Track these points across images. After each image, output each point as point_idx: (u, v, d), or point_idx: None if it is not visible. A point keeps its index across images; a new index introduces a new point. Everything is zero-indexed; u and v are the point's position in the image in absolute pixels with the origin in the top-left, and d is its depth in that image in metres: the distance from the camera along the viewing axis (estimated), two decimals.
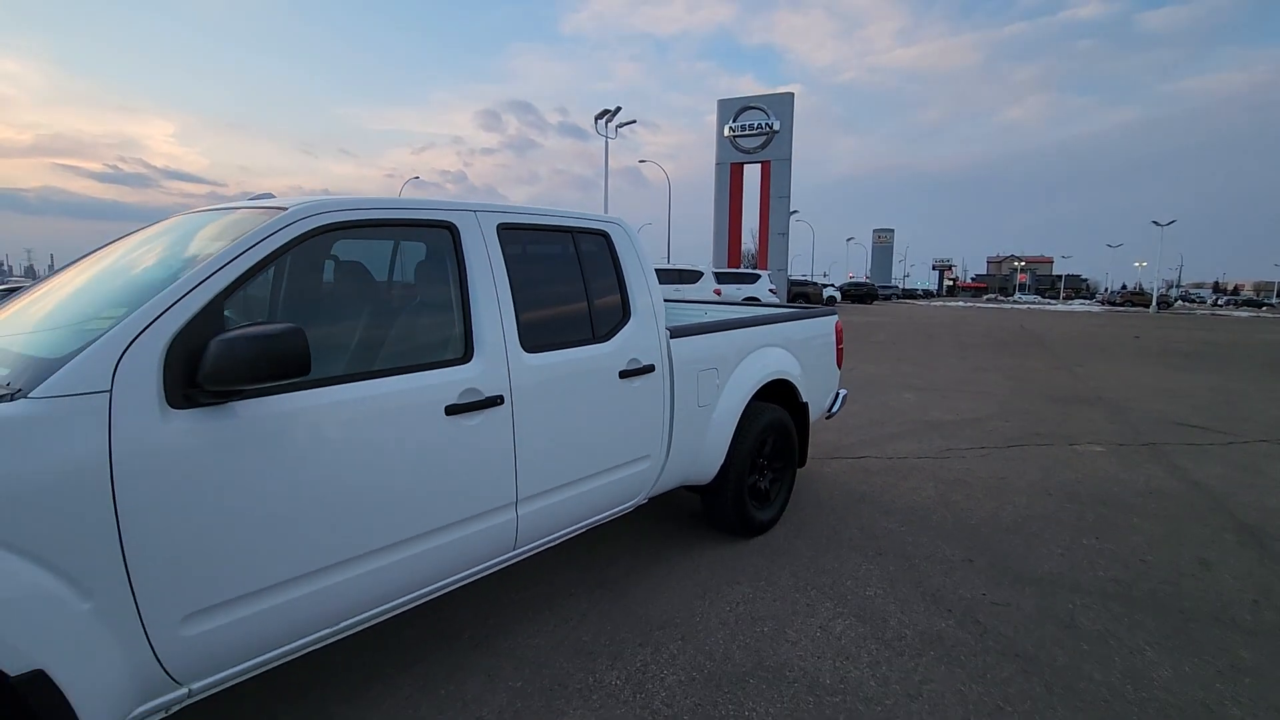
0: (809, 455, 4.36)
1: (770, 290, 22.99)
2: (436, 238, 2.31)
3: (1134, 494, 4.67)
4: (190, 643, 1.64)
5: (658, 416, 2.99)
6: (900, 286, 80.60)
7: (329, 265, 2.28)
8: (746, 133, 28.18)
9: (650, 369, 2.91)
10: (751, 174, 29.31)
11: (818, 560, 3.44)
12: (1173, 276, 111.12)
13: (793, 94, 27.59)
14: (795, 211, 38.13)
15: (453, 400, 2.15)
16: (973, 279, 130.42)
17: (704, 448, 3.31)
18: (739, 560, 3.42)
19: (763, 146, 28.04)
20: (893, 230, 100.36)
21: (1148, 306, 53.65)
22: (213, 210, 2.36)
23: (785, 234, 28.19)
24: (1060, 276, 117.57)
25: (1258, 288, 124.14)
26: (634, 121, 26.30)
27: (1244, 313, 52.24)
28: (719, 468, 3.40)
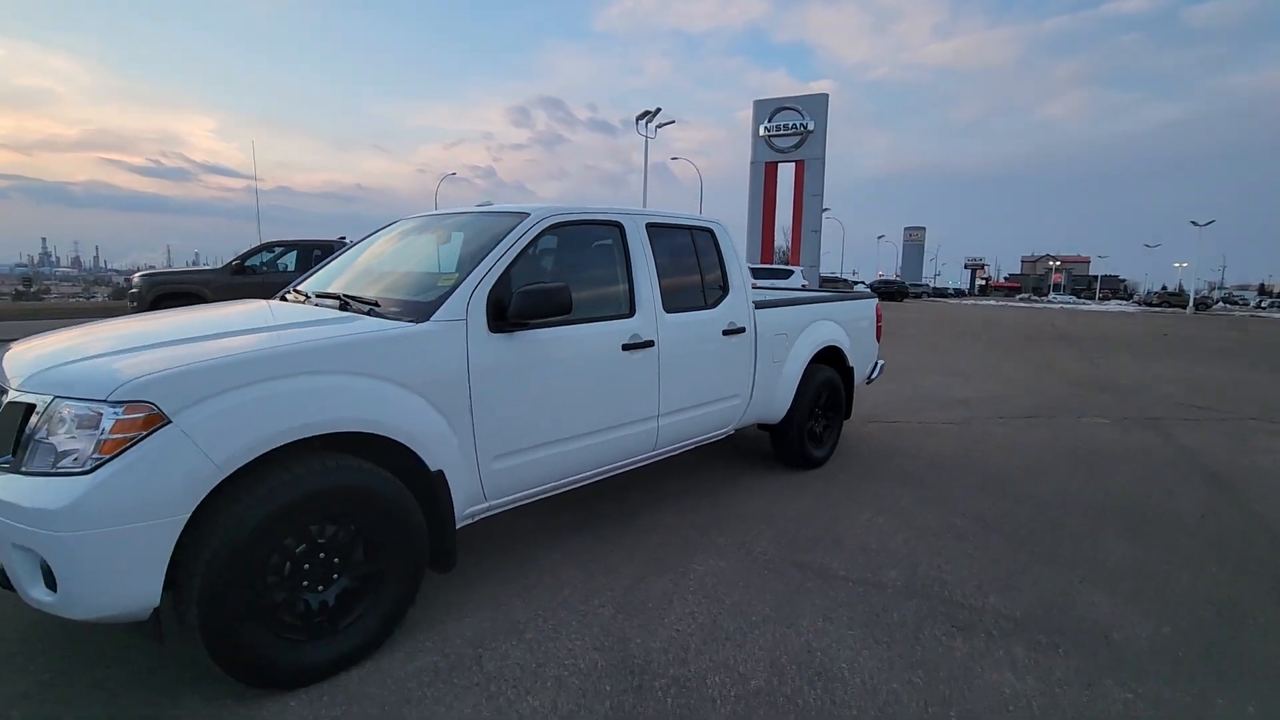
0: (853, 413, 5.37)
1: (803, 286, 23.85)
2: (610, 232, 3.38)
3: (1125, 451, 5.60)
4: (495, 474, 2.73)
5: (746, 367, 4.04)
6: (931, 285, 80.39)
7: (553, 247, 3.35)
8: (781, 133, 29.05)
9: (742, 330, 3.96)
10: (785, 172, 30.17)
11: (861, 485, 4.46)
12: (1215, 278, 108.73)
13: (827, 95, 28.41)
14: (827, 209, 38.86)
15: (625, 341, 3.22)
16: (1006, 278, 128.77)
17: (776, 394, 4.35)
18: (801, 483, 4.45)
19: (797, 146, 28.90)
20: (924, 228, 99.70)
21: (1184, 307, 53.10)
22: (457, 213, 3.49)
23: (818, 231, 29.03)
24: (1096, 277, 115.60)
25: None
26: (673, 122, 27.42)
27: (1276, 314, 51.39)
28: (786, 411, 4.44)
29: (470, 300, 2.65)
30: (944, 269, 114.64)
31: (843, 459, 5.06)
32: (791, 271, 24.04)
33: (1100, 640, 2.63)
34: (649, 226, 3.55)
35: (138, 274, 10.39)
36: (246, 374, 2.08)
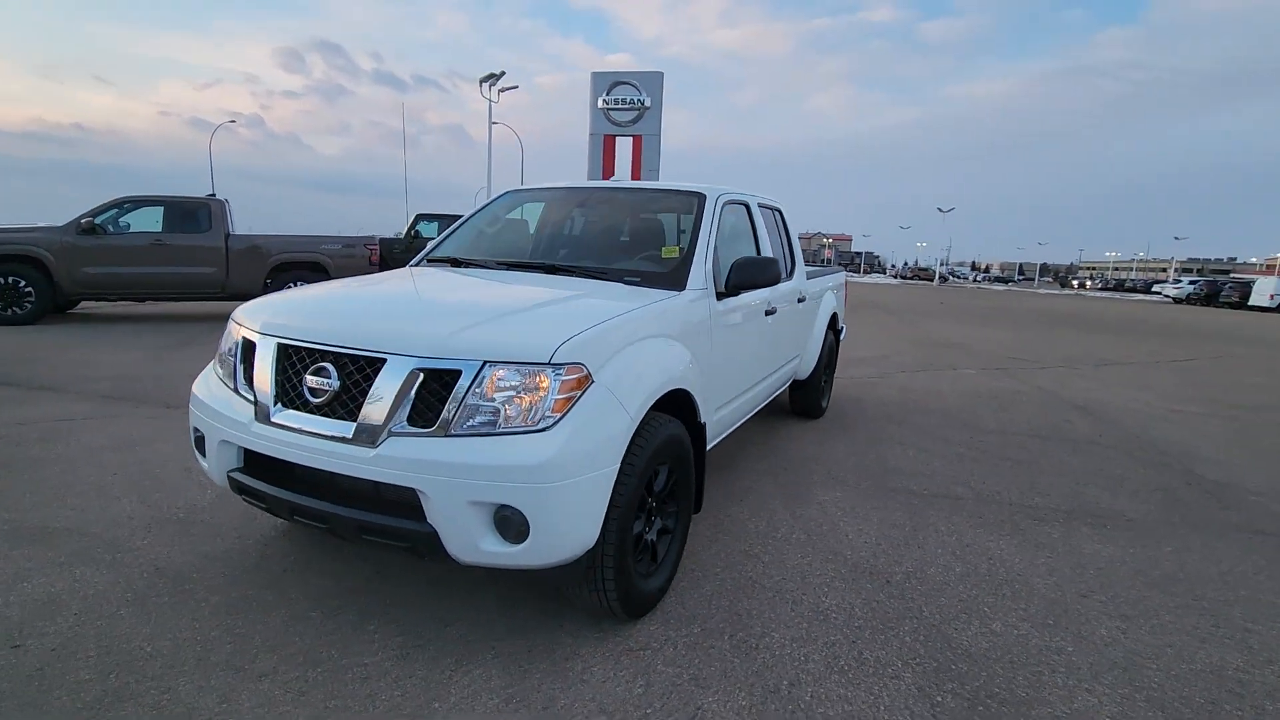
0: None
1: None
2: (741, 210, 3.79)
3: (1010, 392, 7.18)
4: (713, 425, 3.08)
5: (807, 330, 4.69)
6: None
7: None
8: (619, 107, 29.61)
9: (804, 299, 4.59)
10: (624, 146, 30.91)
11: (867, 428, 5.35)
12: (944, 255, 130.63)
13: (662, 74, 29.48)
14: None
15: (767, 309, 3.70)
16: None
17: (809, 353, 5.06)
18: (820, 431, 5.23)
19: (634, 121, 29.69)
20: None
21: (931, 280, 63.54)
22: (614, 187, 3.70)
23: None
24: (859, 253, 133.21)
25: (1003, 267, 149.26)
26: (516, 87, 26.73)
27: (998, 287, 63.80)
28: (813, 369, 5.17)
29: (705, 272, 2.97)
30: None
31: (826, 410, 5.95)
32: None
33: (1120, 518, 3.71)
34: (759, 205, 4.01)
35: None
36: (626, 336, 2.28)
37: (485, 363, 2.01)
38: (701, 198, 3.35)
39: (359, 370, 2.11)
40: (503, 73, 24.63)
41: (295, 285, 9.50)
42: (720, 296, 3.06)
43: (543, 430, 1.98)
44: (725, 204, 3.44)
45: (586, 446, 2.01)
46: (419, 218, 14.44)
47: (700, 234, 3.10)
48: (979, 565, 3.02)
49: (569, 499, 1.97)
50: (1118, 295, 56.37)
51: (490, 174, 25.59)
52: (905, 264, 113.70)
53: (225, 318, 2.81)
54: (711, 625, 2.43)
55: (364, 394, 2.08)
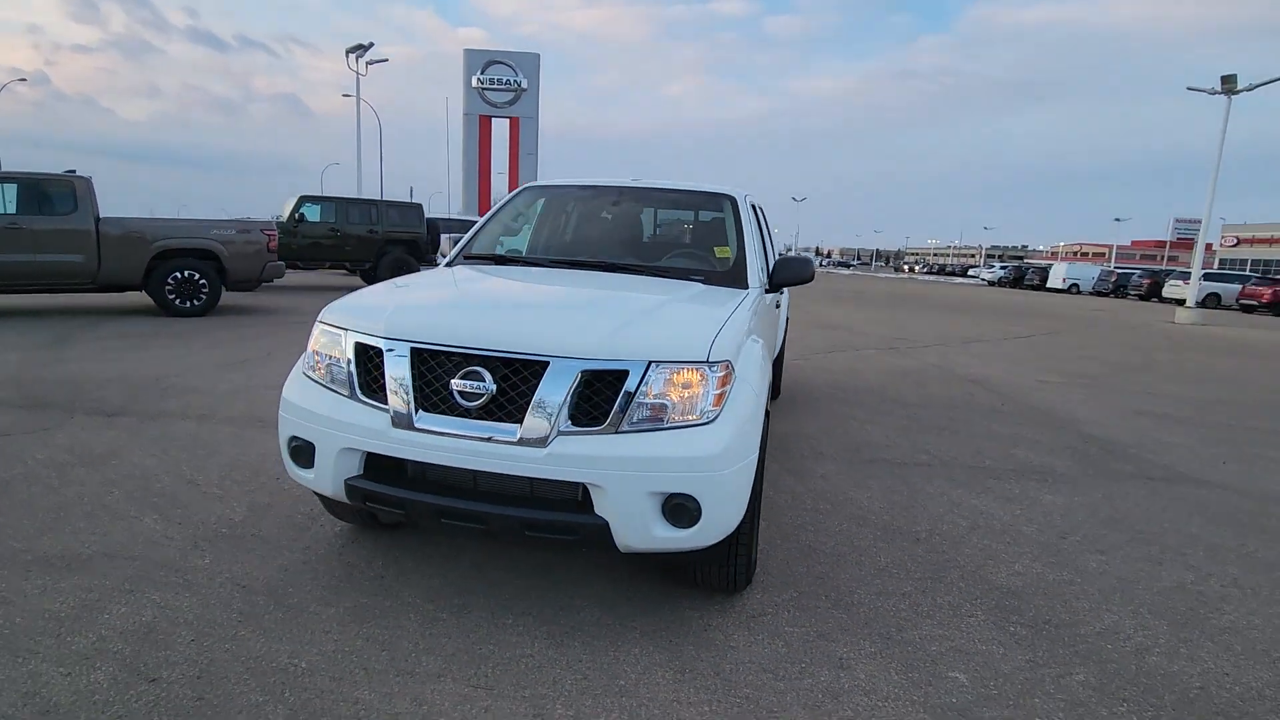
0: None
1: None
2: (752, 211, 4.08)
3: (916, 370, 8.11)
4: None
5: (781, 321, 5.10)
6: None
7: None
8: (495, 87, 28.90)
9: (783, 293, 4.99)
10: (500, 128, 30.19)
11: (827, 408, 5.90)
12: (791, 241, 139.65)
13: (538, 55, 29.12)
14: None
15: (776, 302, 4.03)
16: None
17: (779, 341, 5.49)
18: (783, 412, 5.70)
19: (511, 103, 29.13)
20: None
21: None
22: (648, 188, 3.82)
23: None
24: None
25: (843, 252, 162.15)
26: (387, 60, 24.96)
27: (843, 271, 69.40)
28: (779, 350, 5.62)
29: (758, 270, 3.23)
30: None
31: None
32: None
33: (1053, 473, 4.46)
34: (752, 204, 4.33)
35: None
36: (744, 332, 2.49)
37: (650, 363, 2.15)
38: (734, 200, 3.60)
39: (516, 373, 2.16)
40: (371, 44, 23.07)
41: (187, 276, 8.59)
42: (766, 292, 3.34)
43: (707, 423, 2.16)
44: (751, 204, 3.72)
45: (742, 435, 2.22)
46: (303, 200, 13.39)
47: (746, 234, 3.36)
48: (976, 520, 3.56)
49: (734, 484, 2.18)
50: (941, 279, 63.39)
51: (360, 151, 24.00)
52: None
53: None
54: (804, 589, 2.74)
55: (524, 396, 2.14)
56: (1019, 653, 2.37)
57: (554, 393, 2.11)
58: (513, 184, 30.61)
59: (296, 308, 10.97)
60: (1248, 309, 29.02)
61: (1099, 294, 37.35)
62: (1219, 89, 20.10)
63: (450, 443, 2.16)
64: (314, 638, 2.22)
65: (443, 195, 29.35)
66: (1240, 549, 3.38)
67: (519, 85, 29.04)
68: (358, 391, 2.33)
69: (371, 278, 14.81)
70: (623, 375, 2.14)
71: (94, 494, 3.22)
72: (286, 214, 13.18)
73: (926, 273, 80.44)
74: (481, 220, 3.79)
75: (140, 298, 9.36)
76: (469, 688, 2.03)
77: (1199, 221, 25.89)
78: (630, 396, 2.12)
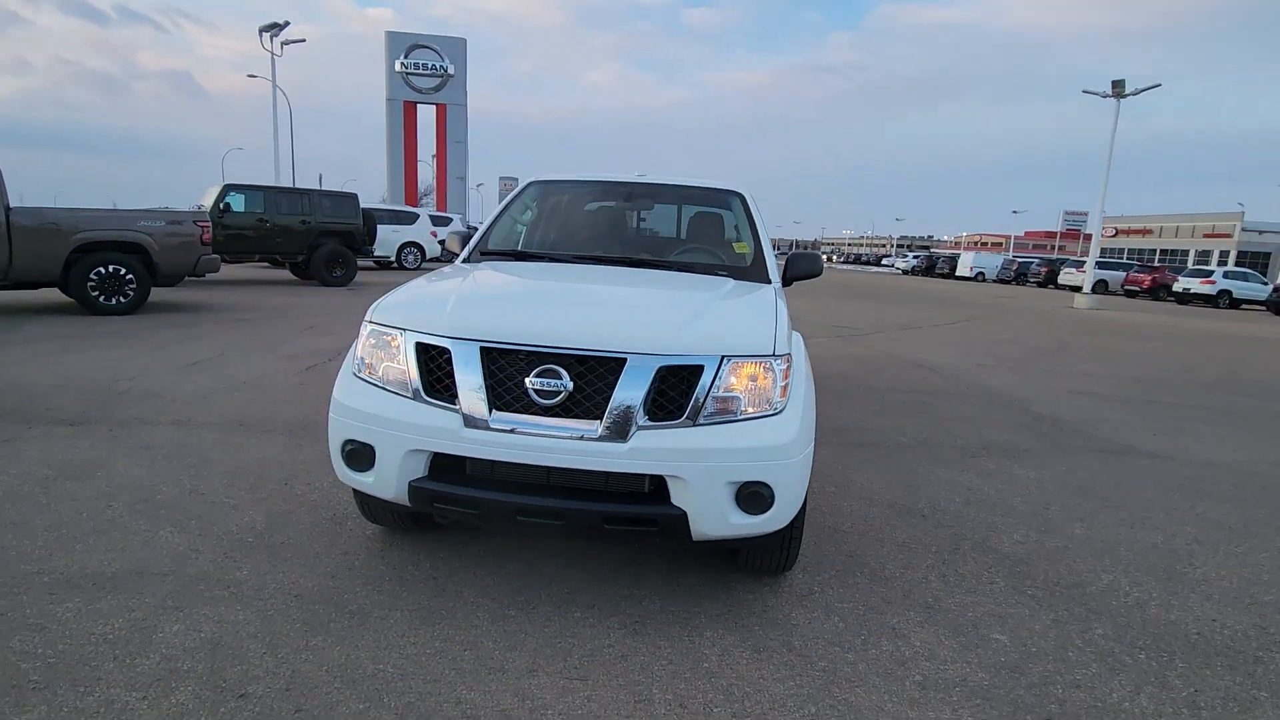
0: None
1: (432, 234, 22.22)
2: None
3: (868, 357, 8.53)
4: None
5: None
6: None
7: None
8: (420, 72, 27.89)
9: None
10: (426, 115, 29.17)
11: None
12: None
13: (465, 40, 28.24)
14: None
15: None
16: None
17: None
18: None
19: (437, 89, 28.18)
20: (516, 179, 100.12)
21: None
22: (663, 184, 3.86)
23: (464, 179, 29.15)
24: None
25: None
26: (304, 40, 23.41)
27: None
28: None
29: (774, 265, 3.36)
30: None
31: None
32: (416, 215, 21.96)
33: (1019, 449, 4.84)
34: None
35: None
36: (790, 328, 2.61)
37: (724, 357, 2.23)
38: (743, 196, 3.72)
39: (591, 370, 2.20)
40: (287, 23, 21.79)
41: (111, 272, 8.00)
42: (785, 283, 3.48)
43: (776, 414, 2.27)
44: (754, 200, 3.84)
45: (805, 424, 2.34)
46: (228, 189, 12.61)
47: (759, 231, 3.48)
48: (968, 495, 3.85)
49: (801, 471, 2.30)
50: (858, 268, 66.14)
51: (277, 136, 22.64)
52: None
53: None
54: (839, 567, 2.90)
55: (600, 393, 2.18)
56: (1043, 613, 2.61)
57: (633, 389, 2.16)
58: (441, 173, 29.77)
59: (235, 304, 10.38)
60: (1131, 294, 31.82)
61: (1002, 281, 40.00)
62: (1109, 93, 21.87)
63: (527, 440, 2.18)
64: (390, 641, 2.20)
65: (356, 184, 28.16)
66: (1191, 510, 3.80)
67: (445, 71, 28.14)
68: (421, 393, 2.30)
69: (303, 272, 14.14)
70: (697, 370, 2.21)
71: (93, 509, 3.01)
72: (209, 203, 12.36)
73: (844, 262, 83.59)
74: (492, 216, 3.75)
75: (54, 295, 8.63)
76: (565, 680, 2.07)
77: (1086, 213, 28.12)
78: (706, 390, 2.20)
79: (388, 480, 2.31)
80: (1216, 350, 11.94)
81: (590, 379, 2.19)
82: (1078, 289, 25.13)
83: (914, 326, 12.58)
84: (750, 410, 2.25)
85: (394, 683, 2.00)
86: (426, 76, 28.26)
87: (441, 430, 2.23)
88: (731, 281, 3.10)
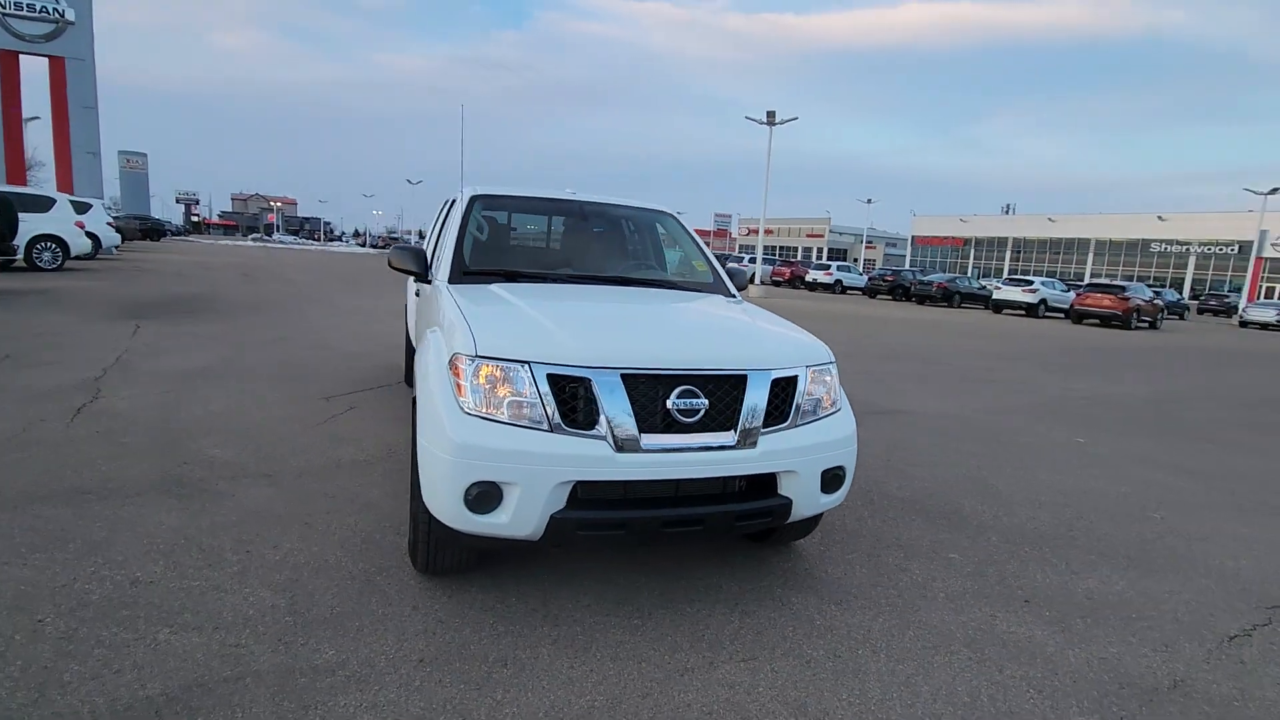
0: None
1: (78, 224, 18.26)
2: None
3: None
4: None
5: None
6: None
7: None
8: (24, 15, 21.13)
9: None
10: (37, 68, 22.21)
11: None
12: (395, 224, 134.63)
13: None
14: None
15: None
16: (219, 215, 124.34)
17: None
18: None
19: (49, 37, 21.64)
20: (145, 155, 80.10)
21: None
22: (604, 203, 4.00)
23: (96, 154, 23.01)
24: (308, 218, 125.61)
25: None
26: None
27: None
28: None
29: (728, 280, 3.87)
30: (160, 203, 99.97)
31: None
32: (53, 201, 17.08)
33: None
34: None
35: None
36: None
37: (806, 367, 2.72)
38: (674, 216, 4.14)
39: (719, 387, 2.49)
40: None
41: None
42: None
43: (838, 411, 2.83)
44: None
45: (851, 414, 2.95)
46: None
47: (703, 248, 3.96)
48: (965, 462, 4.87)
49: (856, 453, 2.90)
50: None
51: None
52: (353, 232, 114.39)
53: None
54: (862, 561, 3.57)
55: (730, 406, 2.50)
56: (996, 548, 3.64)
57: (756, 400, 2.53)
58: (62, 143, 23.00)
59: None
60: (776, 284, 39.25)
61: None
62: (765, 120, 26.79)
63: (675, 458, 2.40)
64: (579, 675, 2.23)
65: None
66: (991, 457, 5.38)
67: (60, 15, 21.79)
68: (558, 424, 2.34)
69: None
70: (793, 380, 2.67)
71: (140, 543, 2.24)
72: None
73: None
74: (451, 232, 3.55)
75: None
76: (743, 662, 2.36)
77: (731, 215, 33.74)
78: (800, 396, 2.67)
79: (527, 517, 2.29)
80: (868, 327, 15.74)
81: (719, 395, 2.49)
82: (751, 281, 30.24)
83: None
84: (823, 409, 2.78)
85: (633, 702, 2.09)
86: (33, 20, 21.65)
87: (591, 459, 2.31)
88: (722, 297, 3.56)
